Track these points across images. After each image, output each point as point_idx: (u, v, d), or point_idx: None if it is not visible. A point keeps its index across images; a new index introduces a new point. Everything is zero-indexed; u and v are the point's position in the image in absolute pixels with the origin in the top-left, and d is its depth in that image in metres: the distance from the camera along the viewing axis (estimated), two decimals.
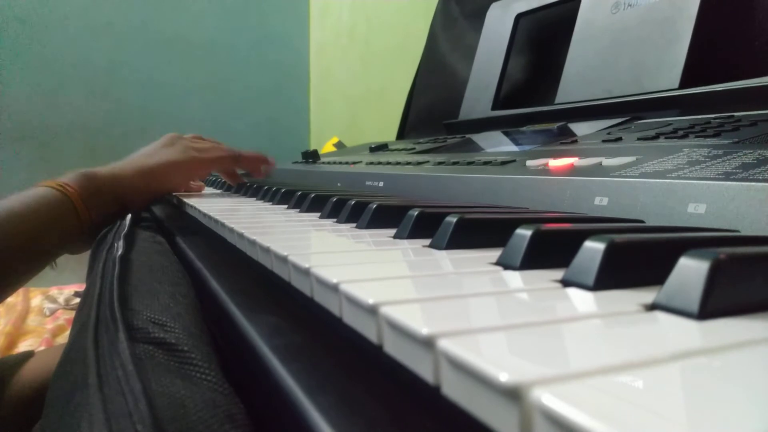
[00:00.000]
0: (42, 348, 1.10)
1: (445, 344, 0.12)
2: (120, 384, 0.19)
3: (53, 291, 1.62)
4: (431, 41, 1.21)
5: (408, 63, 1.38)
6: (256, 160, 0.80)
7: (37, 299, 1.55)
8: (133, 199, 0.67)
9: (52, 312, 1.46)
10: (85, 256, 0.60)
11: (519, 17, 0.86)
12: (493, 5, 0.93)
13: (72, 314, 1.41)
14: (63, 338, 1.31)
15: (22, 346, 1.25)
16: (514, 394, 0.10)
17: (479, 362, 0.11)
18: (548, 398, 0.09)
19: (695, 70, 0.55)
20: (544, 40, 0.88)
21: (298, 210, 0.48)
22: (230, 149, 0.77)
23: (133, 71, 2.02)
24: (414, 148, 0.83)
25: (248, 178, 0.89)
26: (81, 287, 1.59)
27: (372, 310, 0.16)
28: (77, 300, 1.50)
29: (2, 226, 0.54)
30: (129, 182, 0.66)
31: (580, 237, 0.19)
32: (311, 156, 1.05)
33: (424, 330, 0.13)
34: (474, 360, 0.11)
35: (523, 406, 0.10)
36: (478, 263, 0.22)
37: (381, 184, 0.64)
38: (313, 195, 0.47)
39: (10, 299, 1.48)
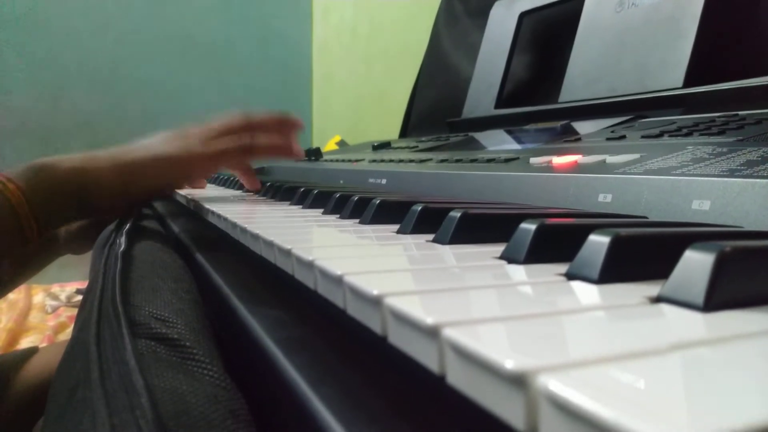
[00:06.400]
0: (44, 345, 1.11)
1: (450, 333, 0.12)
2: (122, 379, 0.19)
3: (55, 288, 1.62)
4: (434, 40, 1.21)
5: (411, 62, 1.38)
6: (277, 148, 0.61)
7: (39, 296, 1.56)
8: (103, 203, 0.52)
9: (54, 309, 1.46)
10: (86, 254, 0.60)
11: (522, 16, 0.86)
12: (497, 4, 0.93)
13: (74, 311, 1.41)
14: (65, 335, 1.31)
15: (24, 343, 1.25)
16: (520, 381, 0.10)
17: (485, 350, 0.11)
18: (555, 384, 0.09)
19: (699, 68, 0.55)
20: (548, 38, 0.88)
21: (301, 206, 0.48)
22: (241, 138, 0.58)
23: (135, 69, 2.02)
24: (417, 146, 0.83)
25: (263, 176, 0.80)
26: (83, 284, 1.59)
27: (376, 301, 0.16)
28: (79, 297, 1.50)
29: None
30: (100, 180, 0.51)
31: (584, 231, 0.19)
32: (314, 154, 1.05)
33: (428, 319, 0.13)
34: (479, 348, 0.11)
35: (529, 392, 0.10)
36: (482, 257, 0.22)
37: (384, 181, 0.64)
38: (316, 191, 0.47)
39: (11, 296, 1.48)
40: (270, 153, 0.61)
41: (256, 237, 0.29)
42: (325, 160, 1.00)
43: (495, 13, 0.93)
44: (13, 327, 1.31)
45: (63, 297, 1.54)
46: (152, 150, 0.55)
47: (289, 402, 0.17)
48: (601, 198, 0.35)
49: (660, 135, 0.44)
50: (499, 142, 0.71)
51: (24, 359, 0.64)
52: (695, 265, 0.15)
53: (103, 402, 0.18)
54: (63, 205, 0.50)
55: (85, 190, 0.50)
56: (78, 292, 1.57)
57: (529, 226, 0.21)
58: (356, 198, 0.38)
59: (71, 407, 0.20)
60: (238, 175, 0.69)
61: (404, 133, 1.28)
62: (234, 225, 0.35)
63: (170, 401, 0.18)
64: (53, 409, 0.23)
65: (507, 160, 0.50)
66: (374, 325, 0.16)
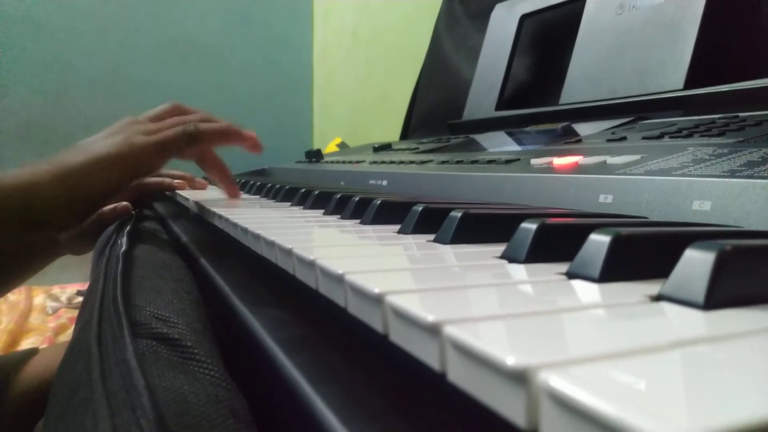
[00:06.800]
0: (45, 346, 1.11)
1: (451, 331, 0.12)
2: (123, 379, 0.19)
3: (56, 289, 1.62)
4: (435, 42, 1.21)
5: (411, 65, 1.38)
6: (223, 134, 0.57)
7: (39, 297, 1.56)
8: (49, 217, 0.49)
9: (55, 310, 1.46)
10: (87, 255, 0.60)
11: (523, 18, 0.86)
12: (498, 6, 0.93)
13: (74, 313, 1.41)
14: (65, 336, 1.31)
15: (25, 344, 1.25)
16: (521, 378, 0.10)
17: (486, 347, 0.11)
18: (556, 381, 0.09)
19: (700, 70, 0.55)
20: (549, 41, 0.88)
21: (301, 207, 0.48)
22: (184, 124, 0.55)
23: (136, 72, 2.03)
24: (417, 148, 0.83)
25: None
26: (83, 286, 1.60)
27: (378, 300, 0.16)
28: (80, 298, 1.51)
29: None
30: (45, 193, 0.47)
31: (585, 230, 0.19)
32: (314, 155, 1.05)
33: (429, 317, 0.13)
34: (480, 345, 0.11)
35: (530, 389, 0.10)
36: (482, 257, 0.22)
37: (384, 182, 0.64)
38: (317, 192, 0.47)
39: (12, 297, 1.48)
40: (218, 139, 0.57)
41: (257, 237, 0.29)
42: (326, 162, 1.00)
43: (496, 15, 0.93)
44: (14, 328, 1.31)
45: (63, 298, 1.54)
46: (92, 151, 0.51)
47: (290, 401, 0.17)
48: (601, 199, 0.35)
49: (661, 136, 0.44)
50: (499, 143, 0.71)
51: (24, 360, 0.64)
52: (696, 263, 0.15)
53: (105, 402, 0.18)
54: (5, 225, 0.47)
55: (28, 205, 0.47)
56: (79, 293, 1.57)
57: (530, 226, 0.22)
58: (357, 199, 0.38)
59: (72, 407, 0.20)
60: (199, 165, 0.63)
61: (405, 135, 1.28)
62: (235, 226, 0.35)
63: (171, 401, 0.18)
64: (54, 410, 0.23)
65: (508, 162, 0.50)
66: (375, 323, 0.16)
